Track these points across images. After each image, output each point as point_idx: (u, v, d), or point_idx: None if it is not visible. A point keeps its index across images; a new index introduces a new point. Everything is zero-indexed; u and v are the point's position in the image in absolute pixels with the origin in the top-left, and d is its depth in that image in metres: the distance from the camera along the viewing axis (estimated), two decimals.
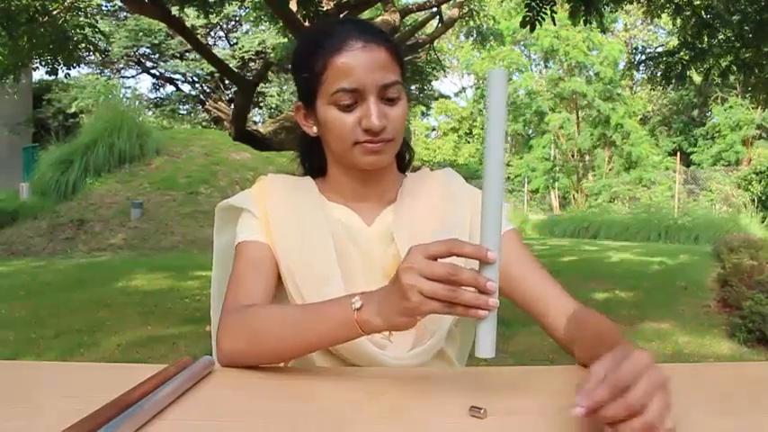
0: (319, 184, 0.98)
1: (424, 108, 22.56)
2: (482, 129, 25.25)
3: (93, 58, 15.11)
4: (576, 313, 0.84)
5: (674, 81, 6.16)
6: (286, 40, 7.82)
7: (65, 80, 14.06)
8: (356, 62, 0.83)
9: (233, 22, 19.28)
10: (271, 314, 0.80)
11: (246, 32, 18.52)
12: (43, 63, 5.83)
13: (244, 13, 15.02)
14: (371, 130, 0.84)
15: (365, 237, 0.92)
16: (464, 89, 28.61)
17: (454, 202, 0.95)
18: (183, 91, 20.45)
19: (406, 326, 0.68)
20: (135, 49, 18.18)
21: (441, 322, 0.88)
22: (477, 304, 0.62)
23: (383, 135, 0.85)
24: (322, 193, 0.96)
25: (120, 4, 9.21)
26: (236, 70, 10.37)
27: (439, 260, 0.64)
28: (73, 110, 15.51)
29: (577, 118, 19.35)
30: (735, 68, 5.90)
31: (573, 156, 19.58)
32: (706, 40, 5.77)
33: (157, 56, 18.94)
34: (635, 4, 6.50)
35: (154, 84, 21.05)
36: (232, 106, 11.12)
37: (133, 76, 24.81)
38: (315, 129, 0.92)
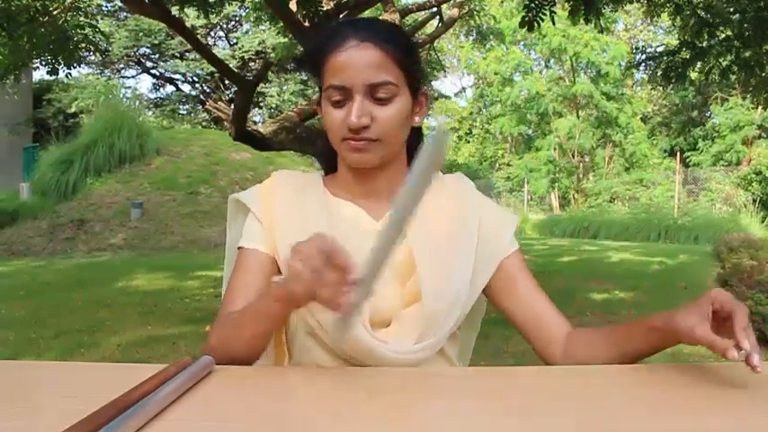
0: (329, 180, 1.00)
1: None
2: (481, 128, 25.06)
3: (93, 58, 15.13)
4: (577, 330, 0.92)
5: (674, 80, 6.16)
6: (286, 40, 7.81)
7: (65, 80, 14.05)
8: (347, 60, 0.85)
9: (233, 22, 19.30)
10: (233, 314, 0.85)
11: (246, 32, 18.52)
12: (43, 63, 5.82)
13: (244, 13, 15.03)
14: (350, 127, 0.86)
15: (374, 233, 0.93)
16: (464, 89, 28.60)
17: (465, 207, 0.96)
18: (183, 91, 20.48)
19: (299, 300, 0.71)
20: (135, 49, 18.19)
21: (444, 324, 0.88)
22: (331, 303, 0.68)
23: (366, 134, 0.86)
24: (330, 189, 0.97)
25: (120, 4, 9.20)
26: (236, 70, 10.35)
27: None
28: (73, 110, 15.50)
29: (577, 116, 19.32)
30: (735, 68, 5.90)
31: (573, 156, 19.55)
32: (706, 39, 5.77)
33: (157, 56, 18.95)
34: (635, 3, 6.49)
35: (154, 84, 21.13)
36: (232, 106, 11.11)
37: (133, 76, 24.90)
38: None
